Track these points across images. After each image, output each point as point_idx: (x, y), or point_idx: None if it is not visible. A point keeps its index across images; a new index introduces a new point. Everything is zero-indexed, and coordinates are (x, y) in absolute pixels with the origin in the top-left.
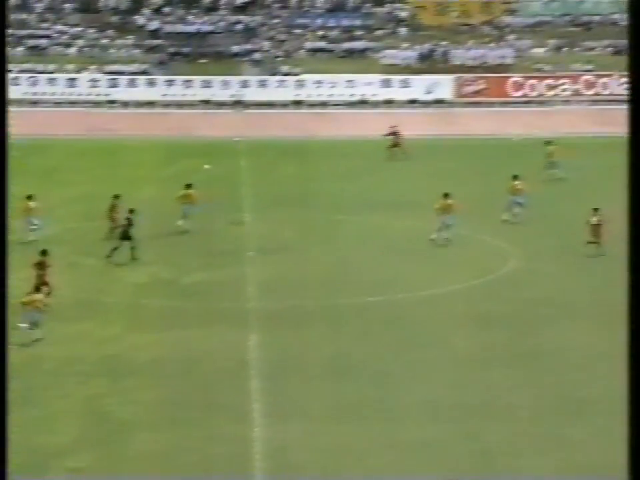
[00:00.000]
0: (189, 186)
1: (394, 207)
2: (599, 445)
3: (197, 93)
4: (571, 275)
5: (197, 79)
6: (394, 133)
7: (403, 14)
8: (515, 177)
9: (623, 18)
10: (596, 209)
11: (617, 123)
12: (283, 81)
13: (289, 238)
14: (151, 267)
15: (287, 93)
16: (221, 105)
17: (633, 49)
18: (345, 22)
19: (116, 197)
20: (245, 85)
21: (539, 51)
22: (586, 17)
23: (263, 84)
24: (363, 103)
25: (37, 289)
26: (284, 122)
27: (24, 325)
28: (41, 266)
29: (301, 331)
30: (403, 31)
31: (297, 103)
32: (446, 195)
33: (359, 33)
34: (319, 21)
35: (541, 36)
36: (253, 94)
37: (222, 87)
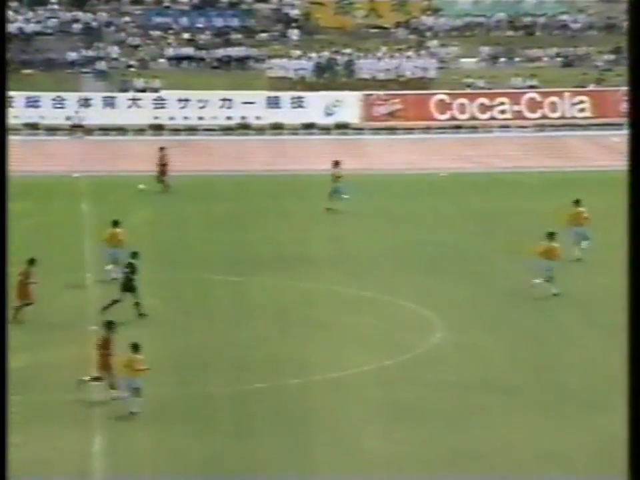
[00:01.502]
0: None
1: (285, 264)
2: None
3: (21, 114)
4: (513, 350)
5: (20, 95)
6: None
7: (295, 12)
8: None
9: (574, 19)
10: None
11: (571, 155)
12: (137, 99)
13: (146, 306)
14: None
15: (143, 114)
16: (53, 130)
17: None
18: (219, 22)
19: None
20: (85, 103)
21: (469, 61)
22: (528, 18)
23: (110, 103)
24: (243, 127)
25: None
26: (138, 153)
27: None
28: None
29: (161, 429)
30: (294, 34)
31: (156, 128)
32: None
33: (236, 36)
34: (184, 20)
35: (472, 42)
36: (96, 116)
37: (54, 106)
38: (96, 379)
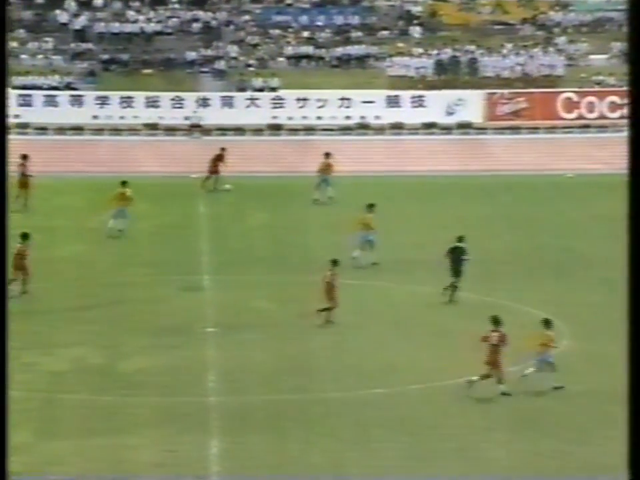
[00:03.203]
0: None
1: (404, 267)
2: None
3: (140, 114)
4: None
5: (140, 95)
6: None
7: (417, 9)
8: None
9: None
10: None
11: None
12: (256, 98)
13: (261, 309)
14: (74, 349)
15: (261, 114)
16: (172, 130)
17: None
18: (339, 20)
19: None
20: (204, 103)
21: (600, 57)
22: None
23: (228, 102)
24: (362, 127)
25: None
26: (255, 153)
27: None
28: None
29: (277, 436)
30: (416, 31)
31: (275, 128)
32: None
33: (357, 34)
34: (304, 18)
35: (602, 38)
36: (215, 116)
37: (173, 106)
38: (485, 376)
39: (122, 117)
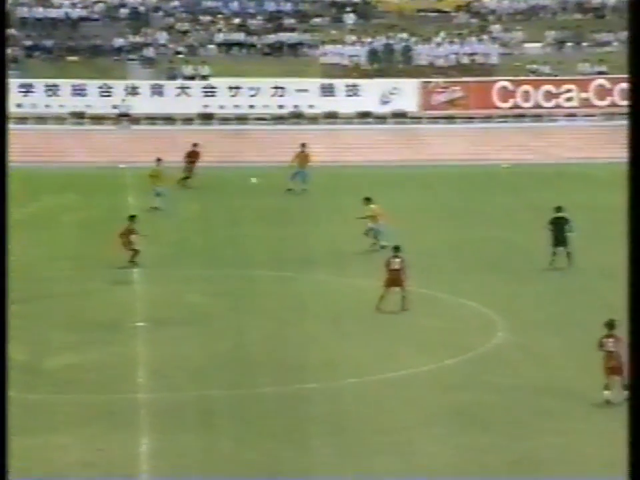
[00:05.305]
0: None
1: (338, 260)
2: None
3: (66, 102)
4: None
5: (66, 83)
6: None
7: None
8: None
9: None
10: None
11: None
12: (186, 87)
13: (194, 303)
14: None
15: (192, 103)
16: (99, 119)
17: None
18: (271, 6)
19: None
20: (133, 92)
21: (534, 46)
22: (597, 0)
23: (158, 91)
24: (296, 116)
25: None
26: (187, 143)
27: None
28: None
29: (210, 433)
30: (350, 18)
31: (206, 117)
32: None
33: (289, 21)
34: (235, 5)
35: (537, 26)
36: (143, 104)
37: (101, 95)
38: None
39: (47, 106)
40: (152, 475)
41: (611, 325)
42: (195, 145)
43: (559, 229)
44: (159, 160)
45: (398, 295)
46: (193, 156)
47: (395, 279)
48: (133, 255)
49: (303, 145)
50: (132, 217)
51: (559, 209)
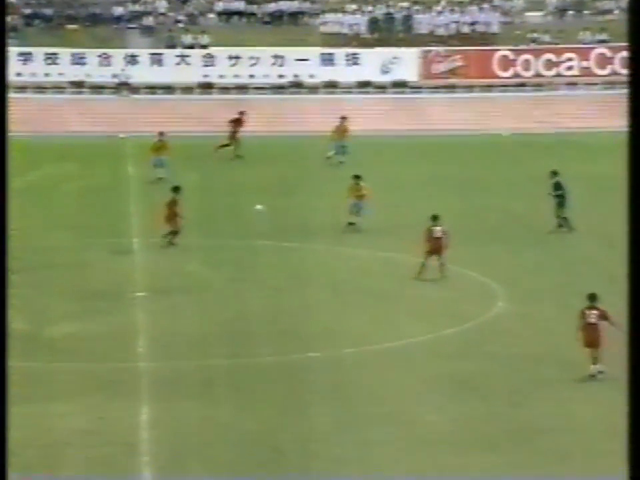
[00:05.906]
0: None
1: (338, 231)
2: None
3: (65, 71)
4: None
5: (65, 52)
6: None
7: None
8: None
9: None
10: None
11: None
12: (186, 55)
13: (194, 273)
14: None
15: (191, 72)
16: (99, 88)
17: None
18: None
19: None
20: (132, 61)
21: (535, 14)
22: None
23: (157, 60)
24: (296, 86)
25: None
26: (187, 112)
27: None
28: None
29: (211, 402)
30: None
31: (205, 87)
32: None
33: None
34: None
35: None
36: (143, 74)
37: (100, 64)
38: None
39: (47, 74)
40: (152, 444)
41: (593, 297)
42: (241, 112)
43: (559, 194)
44: (161, 133)
45: (436, 262)
46: (237, 124)
47: (436, 247)
48: (172, 235)
49: (343, 118)
50: (176, 188)
51: (554, 174)
